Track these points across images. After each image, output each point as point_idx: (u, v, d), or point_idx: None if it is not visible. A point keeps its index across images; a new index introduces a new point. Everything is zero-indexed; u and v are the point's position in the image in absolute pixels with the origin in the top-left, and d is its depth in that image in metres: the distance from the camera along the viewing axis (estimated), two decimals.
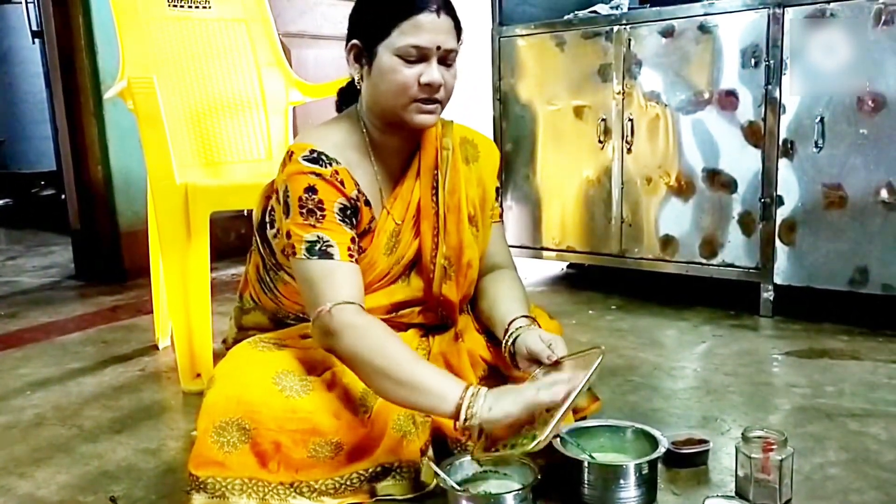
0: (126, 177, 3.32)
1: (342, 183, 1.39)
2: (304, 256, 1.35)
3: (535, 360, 1.39)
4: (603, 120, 2.71)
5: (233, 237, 3.64)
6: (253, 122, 2.50)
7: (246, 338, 1.53)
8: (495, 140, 3.00)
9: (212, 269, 2.06)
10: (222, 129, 2.43)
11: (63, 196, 3.68)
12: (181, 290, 2.00)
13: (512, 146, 2.97)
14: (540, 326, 1.48)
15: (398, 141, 1.48)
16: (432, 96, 1.38)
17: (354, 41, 1.42)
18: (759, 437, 1.33)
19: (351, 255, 1.37)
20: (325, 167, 1.38)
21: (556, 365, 1.36)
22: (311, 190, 1.37)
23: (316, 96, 2.58)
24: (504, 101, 2.97)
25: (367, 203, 1.45)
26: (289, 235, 1.38)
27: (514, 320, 1.46)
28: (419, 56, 1.35)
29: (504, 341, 1.45)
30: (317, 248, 1.35)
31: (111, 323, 2.72)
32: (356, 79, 1.45)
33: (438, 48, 1.36)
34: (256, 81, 2.53)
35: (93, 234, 3.41)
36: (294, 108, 2.61)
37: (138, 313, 2.81)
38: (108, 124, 3.27)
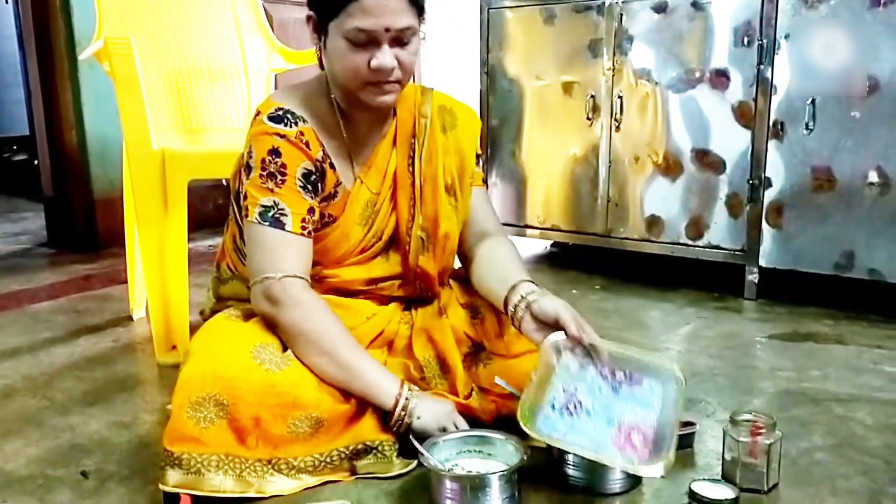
0: (101, 142, 3.24)
1: (307, 144, 1.35)
2: (255, 220, 1.33)
3: (549, 326, 1.35)
4: (592, 97, 2.67)
5: (210, 207, 3.57)
6: (233, 88, 2.44)
7: (224, 308, 1.48)
8: (481, 114, 2.95)
9: (189, 240, 2.01)
10: (201, 94, 2.36)
11: (36, 161, 3.60)
12: (157, 259, 1.95)
13: (498, 121, 2.93)
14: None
15: (367, 112, 1.43)
16: (386, 80, 1.32)
17: (310, 13, 1.36)
18: (747, 421, 1.31)
19: (304, 227, 1.35)
20: (290, 127, 1.34)
21: (577, 343, 1.35)
22: (275, 152, 1.33)
23: (299, 63, 2.51)
24: (491, 75, 2.92)
25: (333, 166, 1.41)
26: (245, 196, 1.36)
27: (518, 284, 1.39)
28: (368, 39, 1.28)
29: (514, 303, 1.37)
30: (270, 214, 1.32)
31: (84, 292, 2.66)
32: (315, 50, 1.40)
33: (388, 30, 1.28)
34: (237, 46, 2.47)
35: (66, 200, 3.33)
36: (276, 75, 2.55)
37: (112, 283, 2.75)
38: (83, 88, 3.19)
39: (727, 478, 1.31)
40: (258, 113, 1.37)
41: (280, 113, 1.36)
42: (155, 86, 2.24)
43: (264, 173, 1.33)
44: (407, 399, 1.31)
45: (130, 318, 2.33)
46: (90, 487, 1.35)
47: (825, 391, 1.73)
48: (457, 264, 1.59)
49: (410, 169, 1.47)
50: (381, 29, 1.27)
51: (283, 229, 1.32)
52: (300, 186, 1.34)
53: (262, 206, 1.33)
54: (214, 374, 1.26)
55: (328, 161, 1.40)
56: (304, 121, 1.37)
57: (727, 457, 1.32)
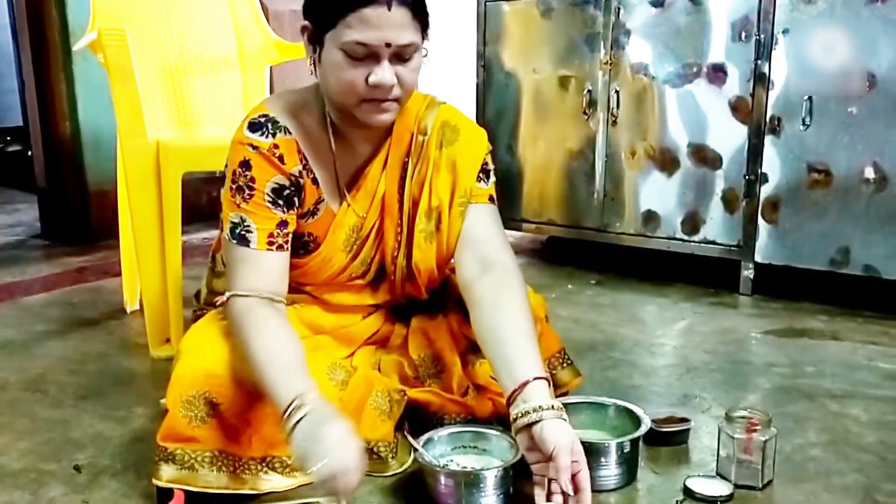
0: (95, 133, 3.22)
1: (281, 158, 1.28)
2: (227, 236, 1.30)
3: (548, 458, 1.14)
4: (588, 91, 2.66)
5: (204, 200, 3.56)
6: (228, 80, 2.42)
7: (217, 300, 1.47)
8: (477, 108, 2.94)
9: (183, 233, 1.99)
10: (196, 86, 2.35)
11: (30, 152, 3.57)
12: (151, 252, 1.94)
13: (494, 115, 2.91)
14: (552, 385, 1.25)
15: (361, 129, 1.34)
16: (384, 97, 1.22)
17: (305, 22, 1.26)
18: (742, 418, 1.30)
19: (271, 242, 1.29)
20: (266, 138, 1.27)
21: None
22: (245, 165, 1.27)
23: (295, 56, 2.49)
24: (487, 69, 2.91)
25: (316, 181, 1.34)
26: (220, 208, 1.33)
27: (528, 386, 1.18)
28: (367, 53, 1.18)
29: (517, 412, 1.18)
30: (237, 231, 1.28)
31: (78, 285, 2.65)
32: (308, 62, 1.28)
33: (389, 45, 1.18)
34: (232, 38, 2.45)
35: (60, 192, 3.32)
36: (271, 66, 2.53)
37: (106, 275, 2.73)
38: (77, 79, 3.18)
39: (722, 474, 1.31)
40: (245, 117, 1.32)
41: (262, 120, 1.29)
42: (149, 77, 2.22)
43: (234, 186, 1.28)
44: (301, 401, 1.11)
45: (124, 311, 2.32)
46: (83, 482, 1.35)
47: (820, 387, 1.73)
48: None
49: (400, 192, 1.38)
50: (382, 44, 1.17)
51: (248, 246, 1.28)
52: (269, 202, 1.28)
53: (231, 222, 1.29)
54: (206, 372, 1.24)
55: (311, 176, 1.33)
56: (287, 132, 1.29)
57: (722, 453, 1.32)
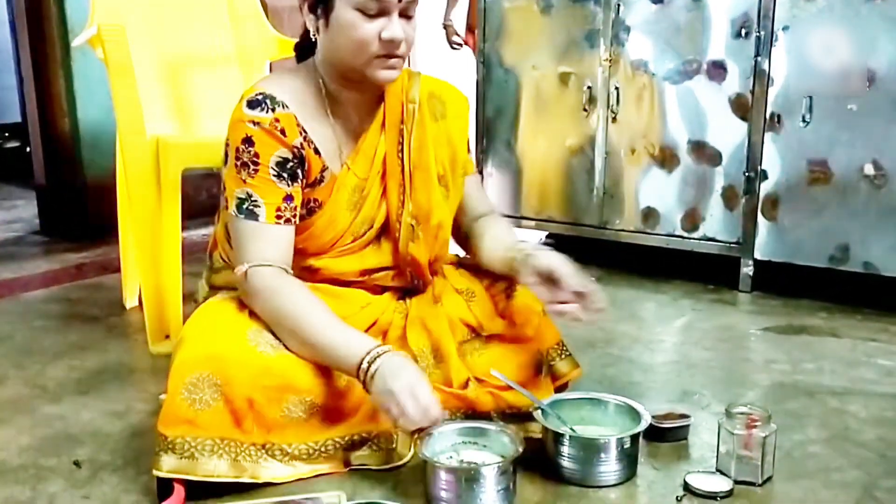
0: (94, 130, 3.22)
1: (283, 132, 1.33)
2: (233, 213, 1.34)
3: (549, 280, 1.38)
4: (588, 87, 2.66)
5: (204, 196, 3.55)
6: (227, 76, 2.42)
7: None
8: (477, 104, 2.94)
9: (182, 229, 2.00)
10: (195, 82, 2.34)
11: (28, 149, 3.56)
12: (151, 248, 1.94)
13: (494, 111, 2.91)
14: (551, 376, 1.53)
15: (357, 95, 1.42)
16: (394, 52, 1.31)
17: None
18: (742, 414, 1.31)
19: (279, 216, 1.34)
20: (267, 113, 1.32)
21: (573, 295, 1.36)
22: (248, 141, 1.32)
23: (294, 51, 2.49)
24: (487, 65, 2.90)
25: (318, 151, 1.39)
26: (224, 188, 1.37)
27: (517, 244, 1.47)
28: (379, 9, 1.27)
29: (512, 260, 1.43)
30: (244, 206, 1.32)
31: (77, 281, 2.65)
32: (311, 30, 1.37)
33: (399, 0, 1.29)
34: (232, 34, 2.44)
35: (59, 188, 3.31)
36: (270, 62, 2.53)
37: (105, 271, 2.73)
38: (76, 75, 3.17)
39: (722, 470, 1.31)
40: (241, 98, 1.35)
41: (260, 97, 1.33)
42: (148, 73, 2.22)
43: (238, 163, 1.32)
44: (381, 352, 1.24)
45: (123, 307, 2.32)
46: (83, 477, 1.35)
47: (819, 384, 1.74)
48: (453, 249, 1.59)
49: (400, 156, 1.45)
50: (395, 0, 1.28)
51: (257, 220, 1.32)
52: (274, 175, 1.33)
53: (238, 197, 1.33)
54: (209, 355, 1.25)
55: (312, 146, 1.37)
56: (285, 106, 1.33)
57: (722, 449, 1.32)
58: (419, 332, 1.47)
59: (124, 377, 1.81)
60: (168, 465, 1.22)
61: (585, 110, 2.68)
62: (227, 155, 1.35)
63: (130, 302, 2.32)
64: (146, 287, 1.95)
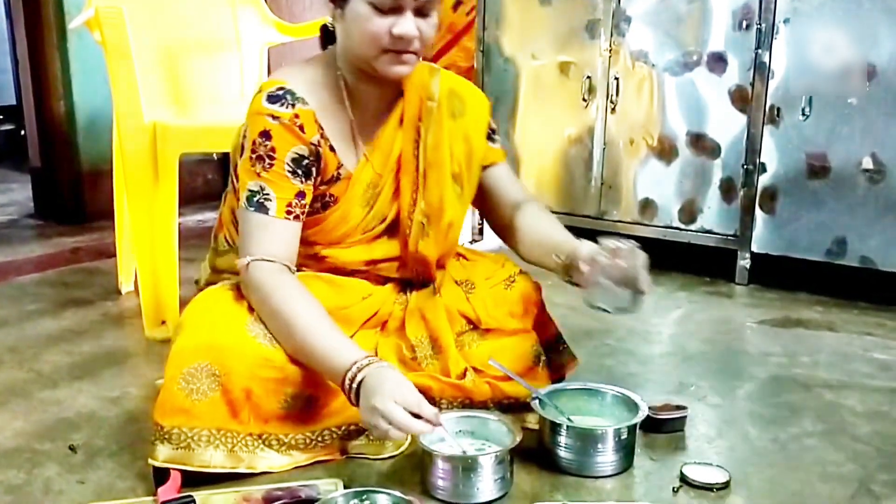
0: (90, 113, 3.19)
1: (301, 128, 1.32)
2: (244, 205, 1.32)
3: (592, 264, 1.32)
4: (588, 78, 2.65)
5: (200, 182, 3.54)
6: (226, 61, 2.40)
7: (220, 280, 1.46)
8: None
9: (178, 215, 1.98)
10: (194, 66, 2.33)
11: (23, 131, 3.54)
12: (147, 233, 1.93)
13: (493, 100, 2.88)
14: (549, 367, 1.53)
15: (375, 88, 1.40)
16: (405, 49, 1.29)
17: None
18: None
19: (289, 212, 1.32)
20: (287, 109, 1.31)
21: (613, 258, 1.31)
22: (266, 135, 1.31)
23: (292, 36, 2.48)
24: (487, 54, 2.89)
25: (333, 149, 1.38)
26: (237, 178, 1.36)
27: (566, 241, 1.41)
28: (393, 5, 1.25)
29: (555, 256, 1.39)
30: (255, 199, 1.31)
31: (72, 265, 2.64)
32: (330, 20, 1.37)
33: None
34: (230, 19, 2.42)
35: (54, 172, 3.29)
36: (269, 48, 2.51)
37: (100, 256, 2.72)
38: (72, 57, 3.14)
39: (597, 304, 1.33)
40: (260, 90, 1.34)
41: (280, 93, 1.32)
42: (146, 57, 2.20)
43: (254, 156, 1.31)
44: (361, 365, 1.19)
45: (119, 293, 2.31)
46: (78, 462, 1.34)
47: (816, 377, 1.74)
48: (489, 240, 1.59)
49: (416, 153, 1.43)
50: None
51: (267, 214, 1.31)
52: (289, 171, 1.32)
53: (250, 190, 1.32)
54: (208, 344, 1.25)
55: (328, 144, 1.37)
56: (305, 102, 1.33)
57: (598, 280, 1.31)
58: (417, 323, 1.47)
59: (120, 362, 1.80)
60: (164, 455, 1.22)
61: (585, 100, 2.67)
62: (242, 147, 1.34)
63: (126, 287, 2.31)
64: (142, 272, 1.94)
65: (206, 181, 3.56)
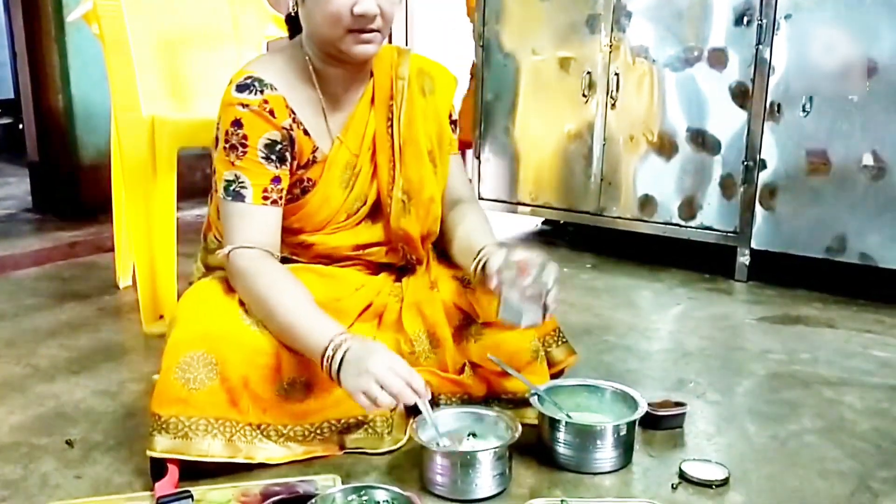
0: (88, 107, 3.18)
1: (272, 113, 1.32)
2: (222, 195, 1.33)
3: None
4: (588, 73, 2.64)
5: (198, 176, 3.52)
6: (224, 55, 2.39)
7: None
8: (476, 89, 2.92)
9: (177, 209, 1.98)
10: (192, 60, 2.31)
11: (21, 125, 3.53)
12: (145, 228, 1.92)
13: (493, 96, 2.89)
14: (547, 362, 1.48)
15: (343, 71, 1.39)
16: (367, 27, 1.28)
17: None
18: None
19: (266, 197, 1.33)
20: (255, 95, 1.31)
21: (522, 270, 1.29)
22: (237, 124, 1.31)
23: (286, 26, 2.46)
24: (487, 49, 2.88)
25: (307, 133, 1.38)
26: (214, 171, 1.36)
27: (483, 248, 1.38)
28: None
29: (473, 266, 1.37)
30: (231, 188, 1.32)
31: (69, 259, 2.63)
32: (291, 5, 1.37)
33: None
34: (229, 12, 2.41)
35: (51, 166, 3.28)
36: (267, 42, 2.50)
37: (98, 250, 2.71)
38: (70, 51, 3.13)
39: (506, 318, 1.30)
40: (230, 82, 1.35)
41: (248, 81, 1.32)
42: (144, 50, 2.18)
43: (227, 146, 1.32)
44: (341, 340, 1.19)
45: (117, 287, 2.30)
46: (75, 457, 1.34)
47: (815, 374, 1.74)
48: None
49: (389, 131, 1.44)
50: None
51: (244, 201, 1.32)
52: (262, 157, 1.32)
53: (226, 179, 1.32)
54: (203, 333, 1.25)
55: (301, 127, 1.37)
56: (273, 88, 1.33)
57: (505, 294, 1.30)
58: (414, 317, 1.47)
59: (117, 357, 1.80)
60: (162, 446, 1.21)
61: (585, 96, 2.67)
62: (217, 139, 1.35)
63: (124, 281, 2.31)
64: (140, 267, 1.93)
65: (204, 175, 3.54)
